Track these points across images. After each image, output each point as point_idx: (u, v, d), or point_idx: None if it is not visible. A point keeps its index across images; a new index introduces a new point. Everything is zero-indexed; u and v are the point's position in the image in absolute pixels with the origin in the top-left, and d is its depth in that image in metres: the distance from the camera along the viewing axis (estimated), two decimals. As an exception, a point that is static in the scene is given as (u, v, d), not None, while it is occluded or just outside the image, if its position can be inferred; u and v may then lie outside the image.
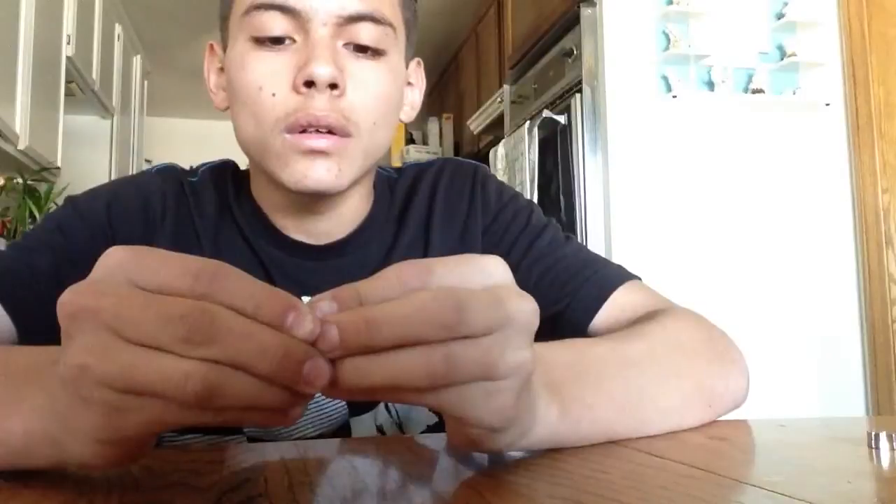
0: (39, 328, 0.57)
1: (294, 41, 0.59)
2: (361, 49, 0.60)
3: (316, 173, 0.59)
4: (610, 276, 0.68)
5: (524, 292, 0.34)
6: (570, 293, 0.67)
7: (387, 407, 0.67)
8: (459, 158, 0.79)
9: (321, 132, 0.58)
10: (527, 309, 0.33)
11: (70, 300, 0.29)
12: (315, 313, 0.30)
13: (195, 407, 0.28)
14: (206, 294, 0.28)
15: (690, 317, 0.63)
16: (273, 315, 0.29)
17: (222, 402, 0.28)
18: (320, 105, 0.57)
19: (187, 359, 0.28)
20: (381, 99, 0.61)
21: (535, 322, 0.34)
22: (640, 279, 0.70)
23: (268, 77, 0.58)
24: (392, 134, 0.66)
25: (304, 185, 0.59)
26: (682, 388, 0.54)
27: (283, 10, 0.58)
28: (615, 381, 0.50)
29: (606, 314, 0.66)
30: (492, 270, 0.34)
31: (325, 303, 0.31)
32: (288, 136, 0.58)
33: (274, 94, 0.58)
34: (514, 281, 0.35)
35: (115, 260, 0.30)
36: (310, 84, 0.57)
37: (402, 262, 0.33)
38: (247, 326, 0.28)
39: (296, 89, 0.58)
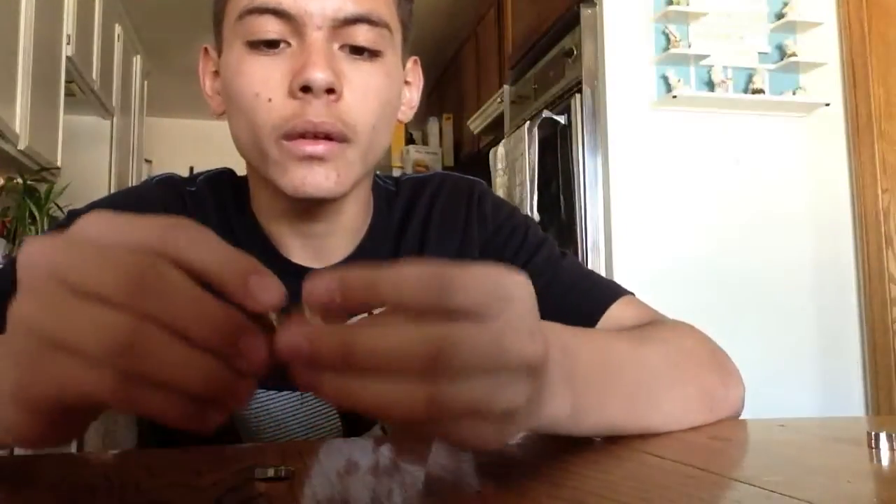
0: None
1: (289, 45, 0.58)
2: (358, 51, 0.59)
3: (315, 179, 0.58)
4: (606, 291, 0.69)
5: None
6: (567, 307, 0.67)
7: (383, 428, 0.67)
8: (457, 174, 0.78)
9: (318, 138, 0.57)
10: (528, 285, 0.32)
11: (29, 251, 0.28)
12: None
13: (108, 366, 0.26)
14: (165, 248, 0.28)
15: (691, 328, 0.64)
16: (233, 277, 0.28)
17: (140, 365, 0.26)
18: (317, 111, 0.56)
19: (121, 312, 0.26)
20: (379, 101, 0.60)
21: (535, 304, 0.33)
22: (633, 294, 0.70)
23: (264, 82, 0.58)
24: (391, 135, 0.65)
25: (304, 192, 0.58)
26: (687, 394, 0.55)
27: (278, 13, 0.57)
28: (630, 382, 0.50)
29: (603, 328, 0.66)
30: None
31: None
32: (285, 142, 0.58)
33: (270, 100, 0.57)
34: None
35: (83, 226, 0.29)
36: (306, 89, 0.56)
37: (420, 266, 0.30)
38: (194, 289, 0.27)
39: (292, 95, 0.57)
